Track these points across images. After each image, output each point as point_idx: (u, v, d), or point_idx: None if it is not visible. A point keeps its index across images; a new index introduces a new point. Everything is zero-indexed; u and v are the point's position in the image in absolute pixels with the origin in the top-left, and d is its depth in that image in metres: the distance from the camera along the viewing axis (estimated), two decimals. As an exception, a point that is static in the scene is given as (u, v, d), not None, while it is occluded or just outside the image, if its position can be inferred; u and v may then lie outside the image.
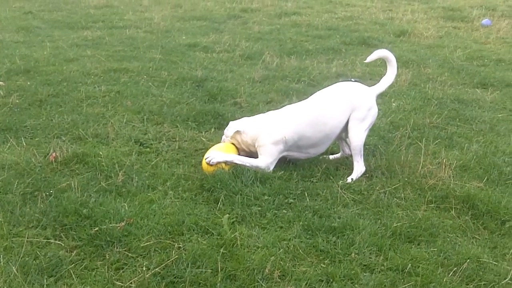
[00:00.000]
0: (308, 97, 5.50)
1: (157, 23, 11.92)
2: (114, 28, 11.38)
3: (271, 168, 5.16)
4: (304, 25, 12.27)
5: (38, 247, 4.02)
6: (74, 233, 4.17)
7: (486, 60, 9.59)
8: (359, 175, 5.17)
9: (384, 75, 5.58)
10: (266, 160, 5.16)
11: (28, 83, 7.51)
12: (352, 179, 5.11)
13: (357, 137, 5.21)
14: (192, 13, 13.38)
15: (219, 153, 5.08)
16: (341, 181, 5.01)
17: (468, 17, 13.31)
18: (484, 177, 5.22)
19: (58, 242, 4.07)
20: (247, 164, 5.07)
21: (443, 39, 11.23)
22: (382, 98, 7.39)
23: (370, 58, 5.63)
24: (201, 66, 8.54)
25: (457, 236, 4.34)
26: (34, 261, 3.83)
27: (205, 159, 5.05)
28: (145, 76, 7.96)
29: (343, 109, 5.27)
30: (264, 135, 5.18)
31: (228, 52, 9.70)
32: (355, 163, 5.23)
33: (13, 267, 3.72)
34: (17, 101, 6.82)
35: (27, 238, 4.09)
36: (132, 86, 7.51)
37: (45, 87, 7.31)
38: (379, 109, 6.87)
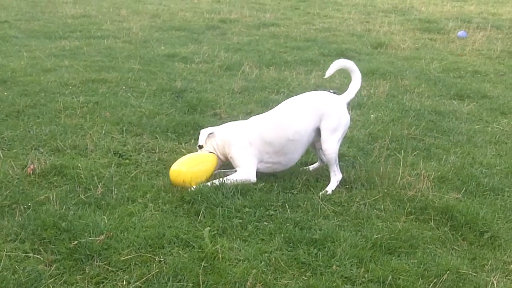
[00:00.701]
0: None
1: (135, 33, 11.87)
2: (92, 38, 11.31)
3: (253, 176, 5.17)
4: (283, 36, 12.30)
5: (16, 261, 3.97)
6: (53, 246, 4.12)
7: (462, 72, 9.69)
8: (336, 185, 5.19)
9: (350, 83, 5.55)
10: (244, 169, 5.18)
11: (5, 93, 7.43)
12: (331, 190, 5.13)
13: (331, 149, 5.19)
14: (170, 23, 13.35)
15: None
16: (321, 193, 5.02)
17: (444, 29, 13.45)
18: (462, 188, 5.27)
19: (37, 256, 4.02)
20: (229, 182, 5.06)
21: (419, 50, 11.34)
22: (360, 109, 7.48)
23: (329, 72, 5.64)
24: (180, 77, 8.52)
25: (437, 248, 4.37)
26: (13, 276, 3.78)
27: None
28: (123, 87, 7.92)
29: (308, 115, 5.23)
30: (232, 145, 5.25)
31: (207, 63, 9.69)
32: (331, 174, 5.25)
33: (-9, 282, 3.66)
34: (-6, 112, 6.75)
35: (5, 252, 4.03)
36: (110, 96, 7.47)
37: (22, 98, 7.24)
38: (357, 121, 7.01)
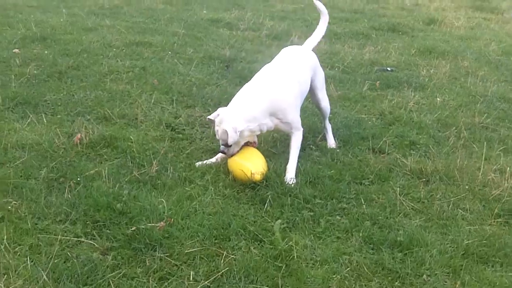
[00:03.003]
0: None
1: (175, -6, 11.35)
2: (131, -3, 10.80)
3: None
4: (329, 6, 11.60)
5: (68, 247, 3.54)
6: (108, 231, 3.69)
7: (524, 56, 9.11)
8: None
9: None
10: (300, 129, 4.78)
11: (46, 52, 6.97)
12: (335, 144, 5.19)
13: (327, 99, 5.24)
14: (210, -15, 12.77)
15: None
16: (398, 188, 4.52)
17: (497, 8, 12.81)
18: (550, 189, 4.77)
19: (90, 242, 3.59)
20: (297, 152, 4.65)
21: (474, 30, 10.73)
22: (423, 91, 6.95)
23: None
24: (227, 45, 8.02)
25: (534, 259, 3.89)
26: (65, 264, 3.35)
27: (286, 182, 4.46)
28: (169, 52, 7.44)
29: (307, 69, 5.09)
30: (286, 110, 4.68)
31: (253, 31, 9.18)
32: (328, 127, 5.28)
33: (43, 272, 3.23)
34: (35, 71, 6.30)
35: (56, 235, 3.60)
36: (157, 62, 7.00)
37: (64, 58, 6.79)
38: (422, 104, 6.52)
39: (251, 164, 4.42)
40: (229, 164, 4.54)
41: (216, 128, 4.49)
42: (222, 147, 4.49)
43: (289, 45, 8.29)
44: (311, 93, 5.18)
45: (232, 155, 4.50)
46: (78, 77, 6.23)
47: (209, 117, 4.63)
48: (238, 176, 4.41)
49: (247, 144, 4.60)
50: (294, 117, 4.70)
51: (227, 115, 4.47)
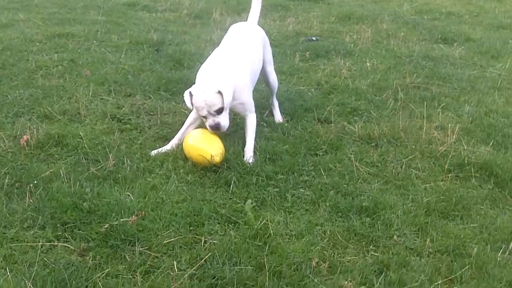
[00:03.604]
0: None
1: (81, -20, 11.02)
2: (38, -13, 10.40)
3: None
4: (242, -20, 11.70)
5: (43, 253, 3.46)
6: (80, 232, 3.62)
7: (436, 14, 9.51)
8: None
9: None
10: (253, 111, 4.79)
11: (-37, 54, 6.67)
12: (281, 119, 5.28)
13: (275, 75, 5.36)
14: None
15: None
16: (352, 155, 4.65)
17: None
18: (488, 140, 5.05)
19: (65, 245, 3.52)
20: (253, 134, 4.69)
21: (385, -9, 11.01)
22: (351, 57, 7.13)
23: None
24: (152, 28, 7.91)
25: (489, 209, 4.12)
26: (46, 271, 3.27)
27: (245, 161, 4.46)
28: (94, 41, 7.27)
29: (259, 45, 5.18)
30: (243, 90, 4.68)
31: (172, 12, 9.11)
32: (277, 107, 5.36)
33: (27, 281, 3.15)
34: (-41, 75, 6.03)
35: (27, 242, 3.52)
36: (84, 53, 6.83)
37: (-14, 58, 6.52)
38: (354, 70, 6.69)
39: (209, 147, 4.42)
40: (186, 150, 4.52)
41: (202, 98, 4.37)
42: (213, 120, 4.40)
43: (212, 23, 8.39)
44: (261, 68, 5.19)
45: (226, 128, 4.45)
46: (7, 77, 5.99)
47: (186, 93, 4.51)
48: (198, 161, 4.41)
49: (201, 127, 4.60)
50: (249, 98, 4.73)
51: (209, 81, 4.44)
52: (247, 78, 4.73)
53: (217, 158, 4.36)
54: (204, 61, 4.88)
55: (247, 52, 4.88)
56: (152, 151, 4.63)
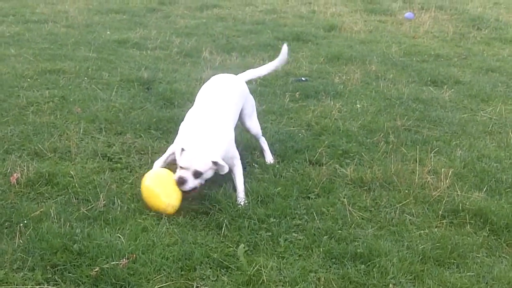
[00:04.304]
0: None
1: (74, 17, 11.08)
2: (30, 23, 10.41)
3: None
4: (230, 19, 11.84)
5: (32, 296, 3.42)
6: (70, 275, 3.58)
7: (425, 56, 9.59)
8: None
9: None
10: (239, 160, 4.77)
11: (-45, 88, 6.64)
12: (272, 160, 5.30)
13: (258, 126, 5.36)
14: (107, 5, 12.54)
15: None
16: (345, 199, 4.65)
17: (389, 10, 13.34)
18: (481, 186, 5.05)
19: (55, 288, 3.48)
20: (243, 180, 4.68)
21: (373, 33, 11.17)
22: (341, 98, 7.17)
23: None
24: (142, 66, 7.93)
25: (485, 257, 4.11)
26: (36, 315, 3.23)
27: None
28: (85, 78, 7.27)
29: (240, 98, 5.18)
30: (231, 147, 4.70)
31: (163, 49, 9.13)
32: (267, 149, 5.38)
33: (17, 327, 3.11)
34: (-51, 111, 6.00)
35: (16, 285, 3.47)
36: (75, 89, 6.82)
37: (-24, 93, 6.49)
38: (344, 111, 6.72)
39: (165, 195, 4.33)
40: (142, 190, 4.44)
41: (191, 160, 4.32)
42: (184, 175, 4.33)
43: (202, 62, 8.43)
44: (241, 120, 5.23)
45: (187, 189, 4.35)
46: (-3, 113, 5.98)
47: (178, 147, 4.44)
48: (150, 205, 4.35)
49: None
50: (234, 151, 4.74)
51: (205, 147, 4.38)
52: (233, 135, 4.74)
53: (171, 210, 4.31)
54: (189, 111, 4.89)
55: (231, 108, 4.91)
56: None
